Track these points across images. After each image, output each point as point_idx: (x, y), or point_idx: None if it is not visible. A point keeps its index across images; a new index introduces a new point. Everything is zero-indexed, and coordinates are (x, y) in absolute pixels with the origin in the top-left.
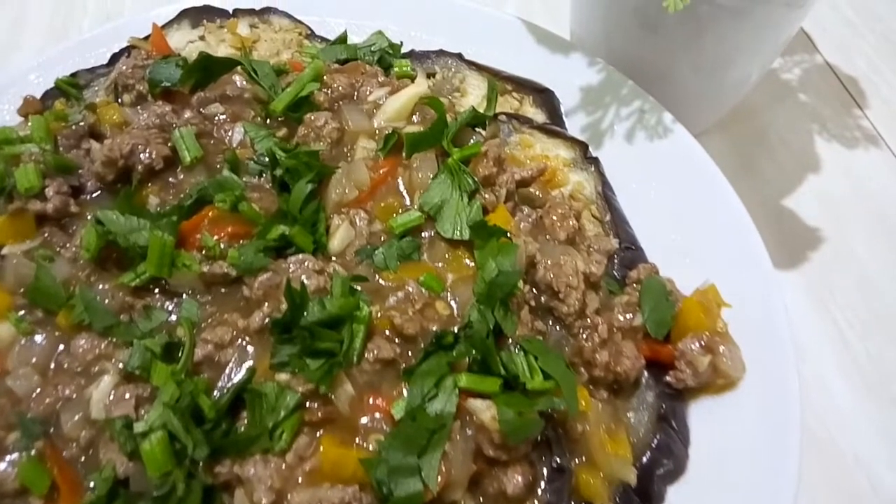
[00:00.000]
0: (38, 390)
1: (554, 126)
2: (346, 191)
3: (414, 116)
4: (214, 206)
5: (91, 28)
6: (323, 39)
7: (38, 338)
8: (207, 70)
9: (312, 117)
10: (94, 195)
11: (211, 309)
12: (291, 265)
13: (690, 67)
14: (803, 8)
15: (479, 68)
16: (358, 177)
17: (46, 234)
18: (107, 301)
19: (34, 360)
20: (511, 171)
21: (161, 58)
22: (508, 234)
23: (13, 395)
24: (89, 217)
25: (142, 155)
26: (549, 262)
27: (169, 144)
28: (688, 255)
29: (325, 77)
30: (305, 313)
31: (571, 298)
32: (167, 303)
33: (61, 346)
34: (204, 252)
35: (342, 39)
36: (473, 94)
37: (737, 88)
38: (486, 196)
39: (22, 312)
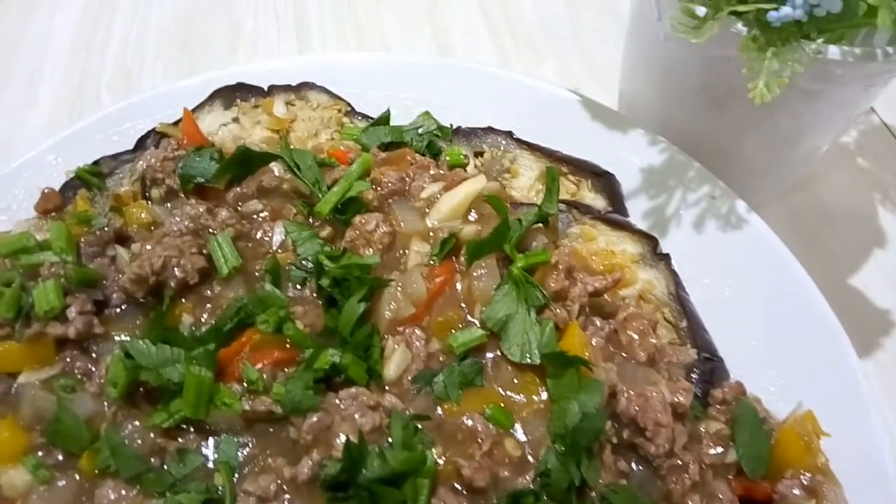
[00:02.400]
0: None
1: (618, 216)
2: (402, 306)
3: (470, 214)
4: (256, 327)
5: (109, 86)
6: (363, 116)
7: (58, 484)
8: (245, 164)
9: (363, 221)
10: (120, 309)
11: (252, 450)
12: (343, 403)
13: (758, 143)
14: (879, 86)
15: (532, 148)
16: (414, 290)
17: (68, 360)
18: (136, 444)
19: None
20: (583, 281)
21: (194, 149)
22: (588, 364)
23: None
24: (116, 343)
25: (175, 269)
26: (632, 392)
27: (204, 252)
28: (772, 366)
29: (372, 171)
30: (364, 470)
31: (661, 438)
32: (202, 443)
33: (84, 498)
34: (245, 385)
35: (385, 119)
36: (525, 176)
37: (804, 162)
38: (557, 311)
39: (40, 454)
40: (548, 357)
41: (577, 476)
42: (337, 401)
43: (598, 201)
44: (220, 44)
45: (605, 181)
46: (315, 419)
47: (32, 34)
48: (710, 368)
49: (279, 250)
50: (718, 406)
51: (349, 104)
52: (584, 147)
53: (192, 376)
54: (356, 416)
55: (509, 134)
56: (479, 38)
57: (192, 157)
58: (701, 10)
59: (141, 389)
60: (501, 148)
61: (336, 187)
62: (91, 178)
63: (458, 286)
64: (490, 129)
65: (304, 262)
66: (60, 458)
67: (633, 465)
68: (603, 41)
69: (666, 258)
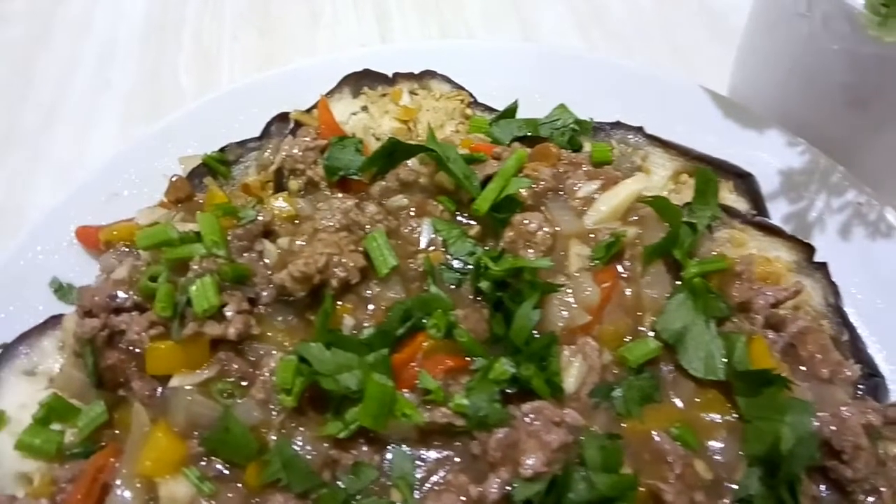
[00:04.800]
0: None
1: (768, 221)
2: (575, 314)
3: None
4: (425, 332)
5: (188, 68)
6: (485, 107)
7: (224, 497)
8: (392, 157)
9: (525, 221)
10: (269, 308)
11: (428, 465)
12: (528, 418)
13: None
14: None
15: (665, 145)
16: (587, 297)
17: (223, 363)
18: (308, 456)
19: None
20: (762, 291)
21: (336, 140)
22: (788, 384)
23: None
24: (271, 345)
25: (337, 269)
26: (826, 413)
27: (361, 250)
28: None
29: (525, 167)
30: (571, 494)
31: (860, 462)
32: (375, 456)
33: None
34: (424, 396)
35: (512, 112)
36: (658, 175)
37: None
38: (739, 323)
39: (203, 463)
40: (743, 375)
41: (790, 503)
42: (520, 413)
43: (740, 204)
44: (298, 28)
45: (747, 183)
46: (501, 435)
47: (100, 17)
48: (873, 385)
49: (431, 248)
50: (893, 426)
51: (472, 94)
52: (716, 145)
53: (374, 385)
54: (541, 433)
55: (640, 129)
56: (565, 28)
57: (336, 149)
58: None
59: (306, 395)
60: (631, 144)
61: (492, 184)
62: (218, 165)
63: (629, 292)
64: (619, 124)
65: (455, 261)
66: (219, 466)
67: (823, 489)
68: (691, 34)
69: (823, 267)
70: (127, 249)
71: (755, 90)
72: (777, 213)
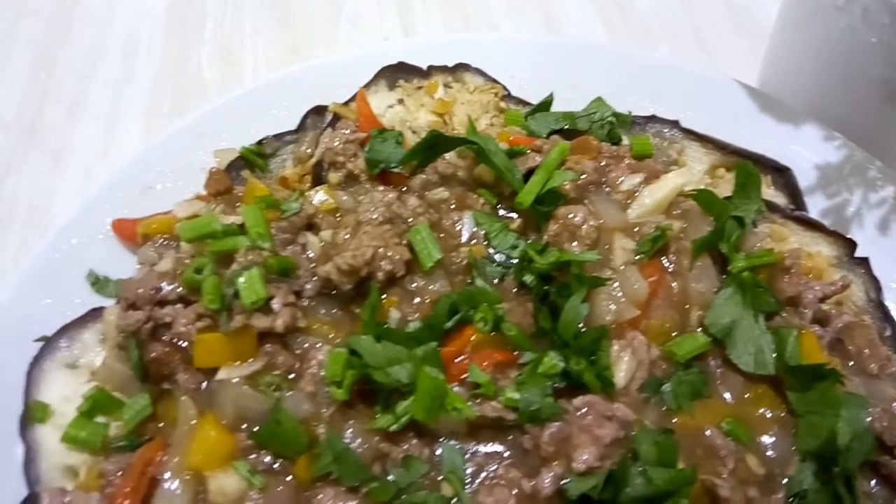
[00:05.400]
0: None
1: (808, 215)
2: (623, 308)
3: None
4: (473, 326)
5: (210, 62)
6: (518, 101)
7: (273, 491)
8: (433, 149)
9: (570, 214)
10: (314, 301)
11: (477, 459)
12: (580, 412)
13: None
14: None
15: (701, 139)
16: (635, 291)
17: (270, 355)
18: (358, 449)
19: None
20: (811, 287)
21: (377, 133)
22: (841, 378)
23: None
24: (328, 343)
25: (382, 262)
26: (877, 408)
27: (404, 243)
28: None
29: (566, 160)
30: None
31: None
32: (424, 449)
33: None
34: (473, 391)
35: (547, 105)
36: (695, 169)
37: None
38: (788, 318)
39: (252, 456)
40: (795, 369)
41: (847, 499)
42: (571, 408)
43: (778, 198)
44: (319, 22)
45: (785, 177)
46: (555, 429)
47: (123, 11)
48: None
49: (473, 241)
50: None
51: (505, 88)
52: (753, 140)
53: (426, 378)
54: (593, 427)
55: (676, 123)
56: (589, 20)
57: (377, 142)
58: None
59: (354, 389)
60: (667, 138)
61: (536, 177)
62: (256, 158)
63: (675, 286)
64: (654, 118)
65: (498, 255)
66: (268, 459)
67: (873, 484)
68: (717, 28)
69: (864, 262)
70: (166, 242)
71: (787, 84)
72: (814, 208)
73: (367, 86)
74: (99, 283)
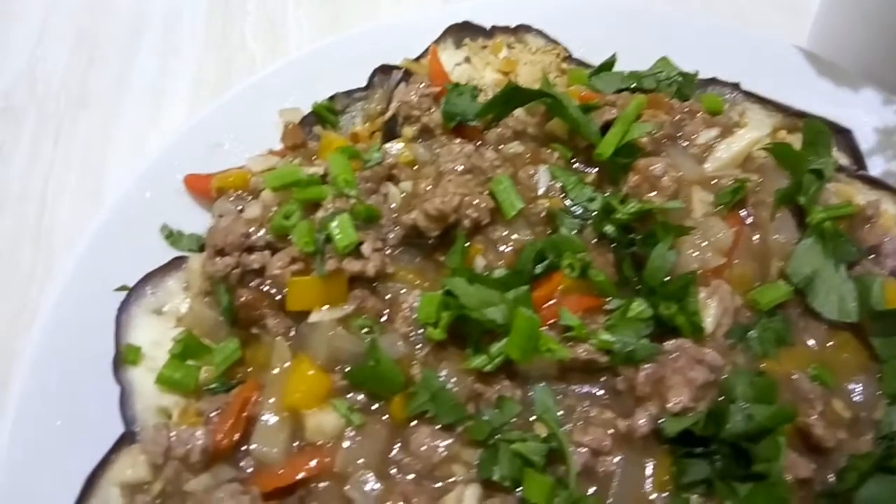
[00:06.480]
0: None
1: (874, 176)
2: (709, 257)
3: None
4: (561, 272)
5: (255, 34)
6: (579, 62)
7: (371, 429)
8: (509, 102)
9: (650, 165)
10: (397, 249)
11: (568, 401)
12: (673, 355)
13: None
14: None
15: (762, 102)
16: (720, 240)
17: (360, 299)
18: (454, 389)
19: (362, 460)
20: (892, 237)
21: (452, 87)
22: None
23: None
24: (416, 289)
25: (468, 210)
26: None
27: (486, 193)
28: None
29: (643, 114)
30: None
31: None
32: (517, 391)
33: (395, 444)
34: (563, 334)
35: (609, 65)
36: (757, 132)
37: None
38: (869, 267)
39: (350, 395)
40: (881, 315)
41: None
42: (664, 350)
43: (841, 159)
44: None
45: (846, 139)
46: (651, 370)
47: None
48: None
49: (551, 194)
50: None
51: (567, 49)
52: (811, 104)
53: (523, 318)
54: (686, 370)
55: (736, 86)
56: None
57: (453, 95)
58: None
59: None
60: (728, 100)
61: (614, 128)
62: (328, 114)
63: (755, 238)
64: (714, 80)
65: (576, 207)
66: (362, 398)
67: None
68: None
69: None
70: (242, 195)
71: (839, 48)
72: (874, 170)
73: (436, 42)
74: (172, 236)
